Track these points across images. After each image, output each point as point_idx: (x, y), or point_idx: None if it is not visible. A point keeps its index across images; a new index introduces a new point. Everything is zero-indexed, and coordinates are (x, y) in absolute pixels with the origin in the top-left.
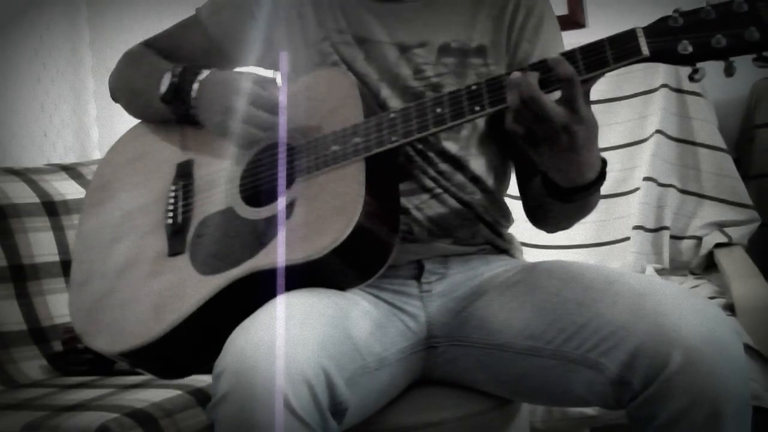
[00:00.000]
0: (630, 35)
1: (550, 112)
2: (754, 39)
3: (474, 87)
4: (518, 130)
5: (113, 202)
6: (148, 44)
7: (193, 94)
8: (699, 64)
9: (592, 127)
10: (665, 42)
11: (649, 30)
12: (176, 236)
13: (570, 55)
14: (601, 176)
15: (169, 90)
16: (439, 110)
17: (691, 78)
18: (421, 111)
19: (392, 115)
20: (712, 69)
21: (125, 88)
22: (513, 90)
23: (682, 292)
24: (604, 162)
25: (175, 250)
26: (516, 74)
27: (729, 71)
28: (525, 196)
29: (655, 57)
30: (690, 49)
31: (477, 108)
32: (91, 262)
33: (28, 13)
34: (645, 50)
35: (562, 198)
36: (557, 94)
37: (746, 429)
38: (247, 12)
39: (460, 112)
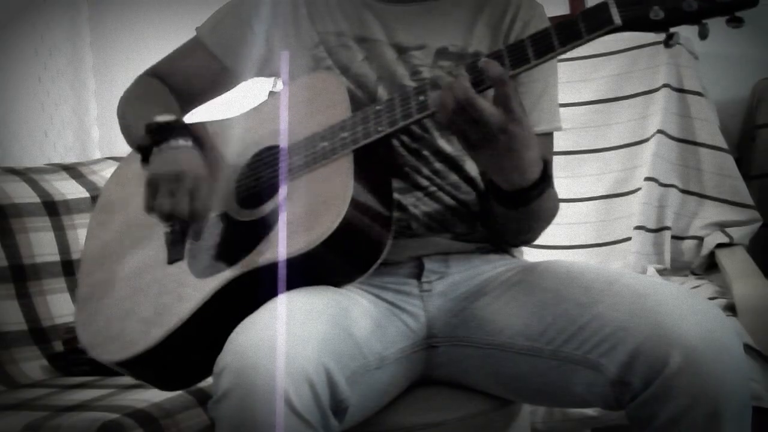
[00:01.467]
0: (601, 7)
1: (486, 114)
2: None
3: (455, 72)
4: (455, 133)
5: (117, 217)
6: (151, 73)
7: (163, 146)
8: (673, 29)
9: (528, 127)
10: (636, 10)
11: (620, 0)
12: (175, 244)
13: (545, 34)
14: (543, 178)
15: (160, 123)
16: (422, 98)
17: (666, 44)
18: (404, 99)
19: (378, 108)
20: (712, 69)
21: (126, 117)
22: (447, 93)
23: (681, 292)
24: (546, 163)
25: (173, 257)
26: (448, 78)
27: (702, 34)
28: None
29: (628, 26)
30: (661, 14)
31: None
32: (95, 276)
33: (29, 13)
34: (617, 20)
35: (507, 203)
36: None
37: (746, 429)
38: (246, 25)
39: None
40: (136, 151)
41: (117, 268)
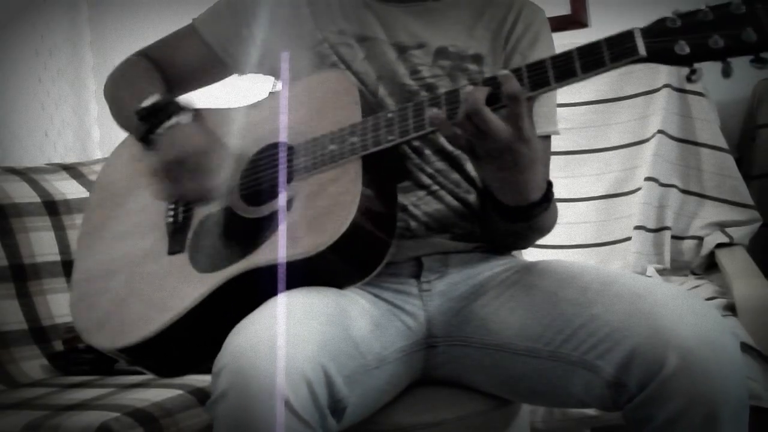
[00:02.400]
0: (627, 36)
1: (493, 128)
2: (752, 40)
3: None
4: (460, 143)
5: (115, 202)
6: (144, 54)
7: (162, 129)
8: (697, 65)
9: (535, 149)
10: (662, 42)
11: (646, 31)
12: (176, 235)
13: (567, 56)
14: (546, 198)
15: (148, 108)
16: (435, 110)
17: (688, 79)
18: (417, 110)
19: (389, 115)
20: (713, 69)
21: (115, 96)
22: (461, 103)
23: (679, 293)
24: (549, 184)
25: (174, 248)
26: (468, 88)
27: (726, 72)
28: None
29: (653, 57)
30: (687, 49)
31: None
32: (92, 261)
33: (29, 13)
34: (642, 51)
35: (507, 217)
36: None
37: (743, 430)
38: (242, 21)
39: (456, 112)
40: (136, 138)
41: (115, 254)
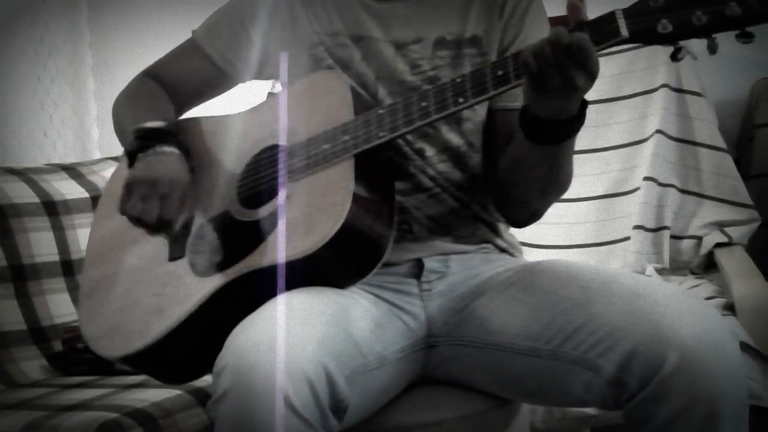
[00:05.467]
0: (609, 17)
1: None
2: (736, 14)
3: (458, 79)
4: (554, 81)
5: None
6: (149, 74)
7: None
8: (681, 43)
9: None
10: (645, 22)
11: (628, 11)
12: (177, 241)
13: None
14: (581, 113)
15: (147, 129)
16: (424, 104)
17: (673, 57)
18: (407, 105)
19: (380, 112)
20: (711, 69)
21: (119, 117)
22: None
23: (678, 292)
24: (584, 101)
25: (175, 254)
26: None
27: (712, 48)
28: (495, 173)
29: (635, 38)
30: (670, 28)
31: (461, 100)
32: (98, 271)
33: (28, 13)
34: (624, 32)
35: (541, 138)
36: None
37: (744, 429)
38: (241, 30)
39: (445, 105)
40: (125, 156)
41: (119, 263)
